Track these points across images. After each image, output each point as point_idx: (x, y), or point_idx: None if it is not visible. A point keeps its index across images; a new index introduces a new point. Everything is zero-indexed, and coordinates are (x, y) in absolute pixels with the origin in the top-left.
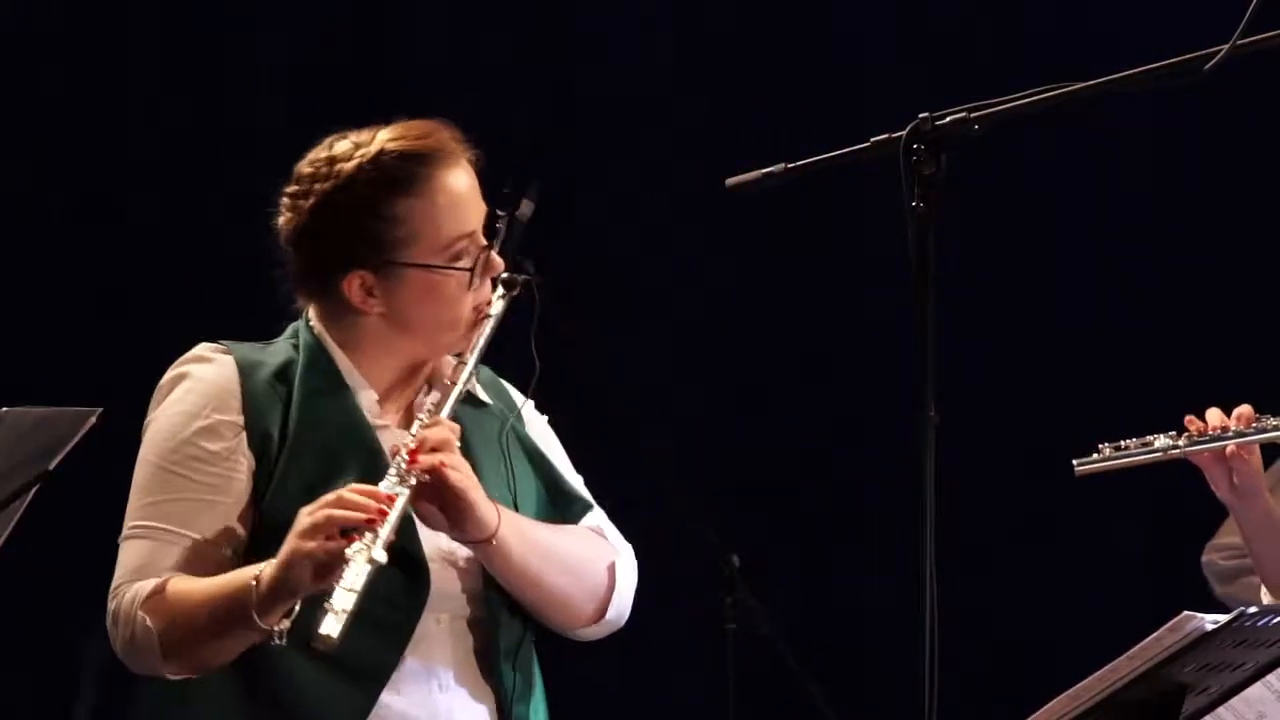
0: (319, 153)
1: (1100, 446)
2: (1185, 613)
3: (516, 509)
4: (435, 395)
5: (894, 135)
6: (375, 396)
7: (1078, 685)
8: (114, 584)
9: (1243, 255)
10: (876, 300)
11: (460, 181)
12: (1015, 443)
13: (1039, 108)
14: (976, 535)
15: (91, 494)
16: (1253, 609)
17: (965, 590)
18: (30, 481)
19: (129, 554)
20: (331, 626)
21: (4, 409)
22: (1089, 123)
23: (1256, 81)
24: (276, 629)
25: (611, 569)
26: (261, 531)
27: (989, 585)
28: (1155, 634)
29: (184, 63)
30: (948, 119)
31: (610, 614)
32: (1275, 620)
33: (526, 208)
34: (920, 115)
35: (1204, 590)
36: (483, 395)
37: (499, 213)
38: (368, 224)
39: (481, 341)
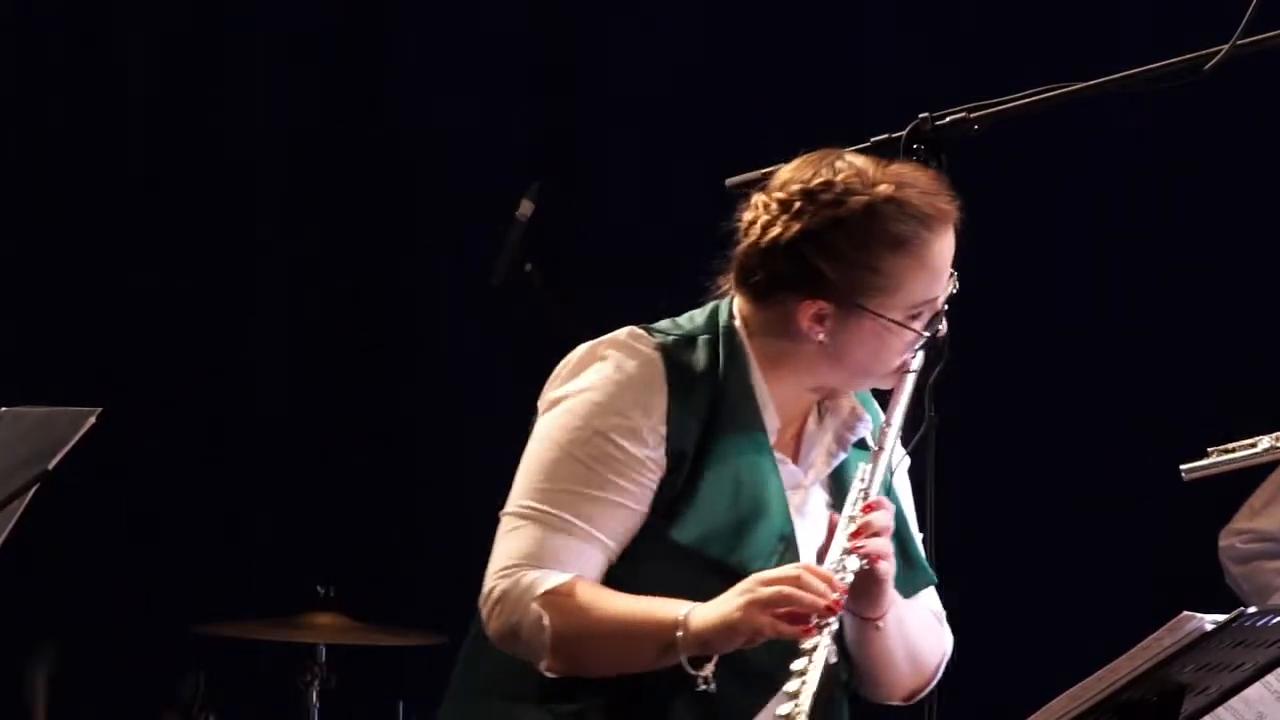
0: (814, 171)
1: (1209, 450)
2: (1185, 613)
3: None
4: (819, 441)
5: (894, 135)
6: (778, 424)
7: (1078, 685)
8: (503, 563)
9: (1243, 255)
10: None
11: (947, 251)
12: (1015, 443)
13: (1039, 108)
14: (976, 535)
15: (91, 494)
16: (1252, 609)
17: (965, 590)
18: (30, 481)
19: (526, 535)
20: (789, 709)
21: (4, 409)
22: (1089, 123)
23: (1256, 81)
24: (703, 674)
25: (939, 665)
26: (646, 536)
27: (989, 585)
28: (1155, 634)
29: (184, 63)
30: (948, 119)
31: (928, 688)
32: (1275, 620)
33: (526, 208)
34: (920, 115)
35: (1204, 590)
36: (871, 441)
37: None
38: (854, 264)
39: (904, 399)
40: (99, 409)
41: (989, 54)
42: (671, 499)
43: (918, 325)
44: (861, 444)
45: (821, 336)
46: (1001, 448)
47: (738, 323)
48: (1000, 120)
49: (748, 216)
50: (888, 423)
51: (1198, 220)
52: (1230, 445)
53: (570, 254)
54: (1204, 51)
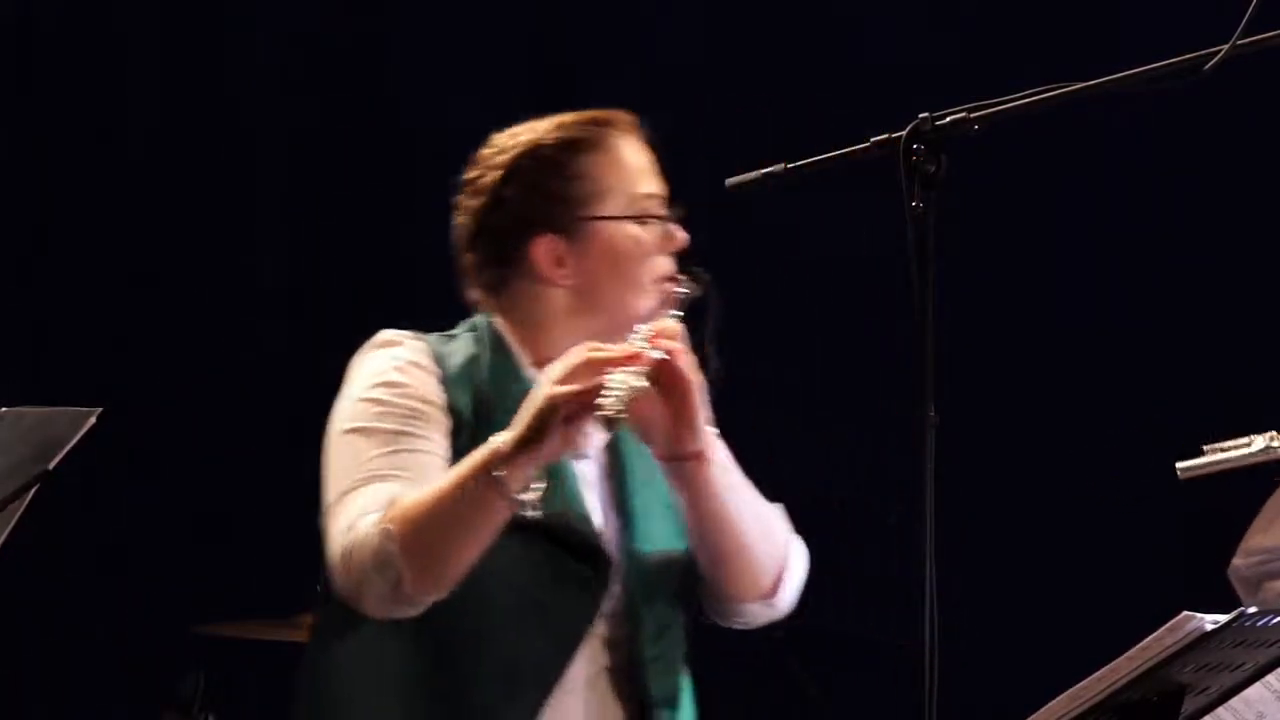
0: (486, 149)
1: (1204, 449)
2: (1185, 613)
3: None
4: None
5: (894, 135)
6: None
7: (1078, 685)
8: (344, 525)
9: (1243, 255)
10: (877, 300)
11: (639, 147)
12: (1015, 442)
13: (1039, 108)
14: (976, 535)
15: (91, 494)
16: (1252, 609)
17: (965, 590)
18: (30, 481)
19: (351, 505)
20: (615, 404)
21: (4, 409)
22: (1089, 123)
23: (1256, 81)
24: (527, 497)
25: (788, 541)
26: None
27: (989, 585)
28: (1155, 634)
29: (184, 63)
30: (948, 119)
31: (784, 592)
32: (1275, 620)
33: None
34: (920, 115)
35: (1204, 590)
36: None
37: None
38: (554, 184)
39: (661, 319)
40: (99, 409)
41: (989, 54)
42: (455, 456)
43: (652, 229)
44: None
45: (567, 279)
46: (1001, 447)
47: (496, 320)
48: (1000, 120)
49: (457, 223)
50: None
51: (1198, 220)
52: (1225, 444)
53: None
54: (1204, 51)
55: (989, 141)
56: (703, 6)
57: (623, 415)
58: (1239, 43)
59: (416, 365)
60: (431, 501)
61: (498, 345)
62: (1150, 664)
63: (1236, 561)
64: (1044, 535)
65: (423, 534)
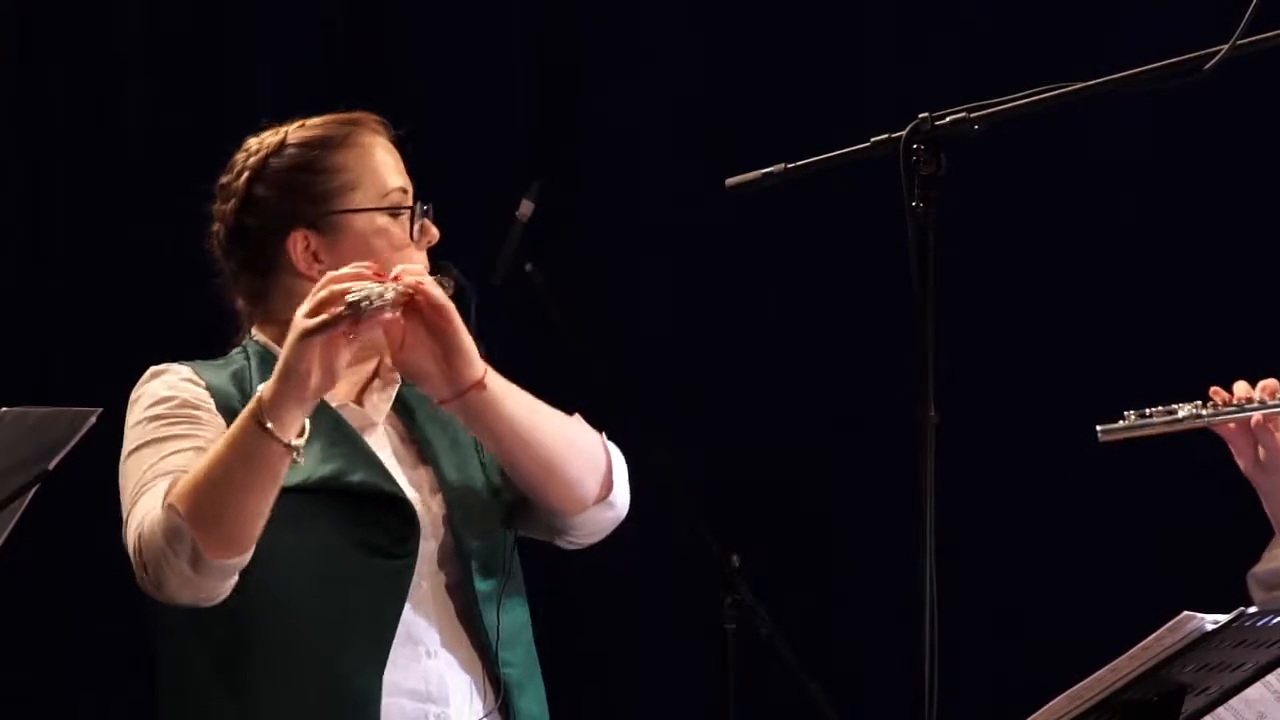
0: (238, 153)
1: (1125, 414)
2: (1185, 613)
3: (484, 467)
4: (380, 395)
5: (894, 135)
6: (335, 390)
7: (1078, 685)
8: (134, 525)
9: (1243, 255)
10: (877, 300)
11: (380, 146)
12: (1015, 442)
13: (1039, 108)
14: (976, 535)
15: (91, 494)
16: (1253, 609)
17: (966, 590)
18: (30, 481)
19: (141, 503)
20: (359, 296)
21: (4, 409)
22: (1089, 123)
23: (1256, 81)
24: (295, 444)
25: (604, 443)
26: None
27: (989, 585)
28: (1155, 634)
29: (183, 62)
30: (948, 119)
31: (615, 493)
32: (1275, 620)
33: (526, 208)
34: (920, 115)
35: (1205, 589)
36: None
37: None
38: (303, 180)
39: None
40: (99, 409)
41: (989, 54)
42: None
43: (403, 223)
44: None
45: (324, 272)
46: (1001, 447)
47: (257, 334)
48: (1000, 120)
49: (212, 233)
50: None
51: (1198, 220)
52: (1148, 410)
53: (570, 254)
54: (1204, 51)
55: (989, 141)
56: (703, 6)
57: (369, 305)
58: (1239, 43)
59: (186, 380)
60: (208, 465)
61: (264, 357)
62: (1150, 664)
63: (1252, 583)
64: (1044, 535)
65: (205, 497)
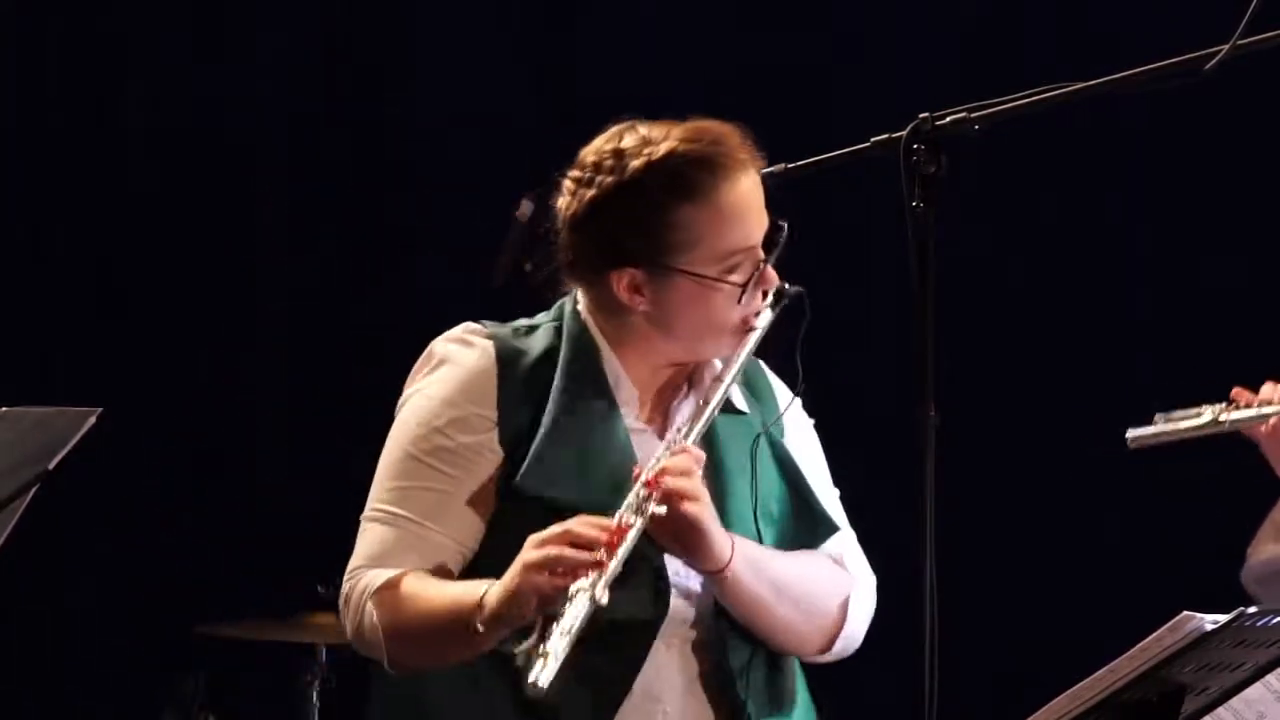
0: (606, 142)
1: (1155, 418)
2: (1185, 613)
3: (757, 527)
4: (687, 412)
5: (894, 135)
6: (637, 395)
7: (1078, 685)
8: (351, 566)
9: (1244, 255)
10: (876, 300)
11: (745, 193)
12: (1015, 442)
13: (1039, 108)
14: (976, 535)
15: (91, 494)
16: (1252, 609)
17: (965, 590)
18: (30, 481)
19: (369, 538)
20: (542, 675)
21: (4, 409)
22: (1089, 122)
23: (1256, 81)
24: (519, 650)
25: (844, 604)
26: (509, 507)
27: (989, 586)
28: (1155, 634)
29: (184, 63)
30: (948, 119)
31: (838, 646)
32: (1275, 620)
33: (526, 208)
34: (920, 115)
35: (1205, 589)
36: (740, 404)
37: (779, 224)
38: (648, 225)
39: (742, 356)
40: (99, 409)
41: (989, 54)
42: (520, 466)
43: (737, 277)
44: (732, 409)
45: (643, 306)
46: (1001, 447)
47: (581, 306)
48: (1000, 120)
49: (560, 202)
50: (718, 379)
51: (1198, 220)
52: (1175, 414)
53: None
54: (1204, 51)
55: (989, 141)
56: (703, 6)
57: (601, 603)
58: (1239, 43)
59: (476, 413)
60: (420, 615)
61: (580, 348)
62: (1150, 664)
63: (1246, 573)
64: (1044, 535)
65: (406, 634)
